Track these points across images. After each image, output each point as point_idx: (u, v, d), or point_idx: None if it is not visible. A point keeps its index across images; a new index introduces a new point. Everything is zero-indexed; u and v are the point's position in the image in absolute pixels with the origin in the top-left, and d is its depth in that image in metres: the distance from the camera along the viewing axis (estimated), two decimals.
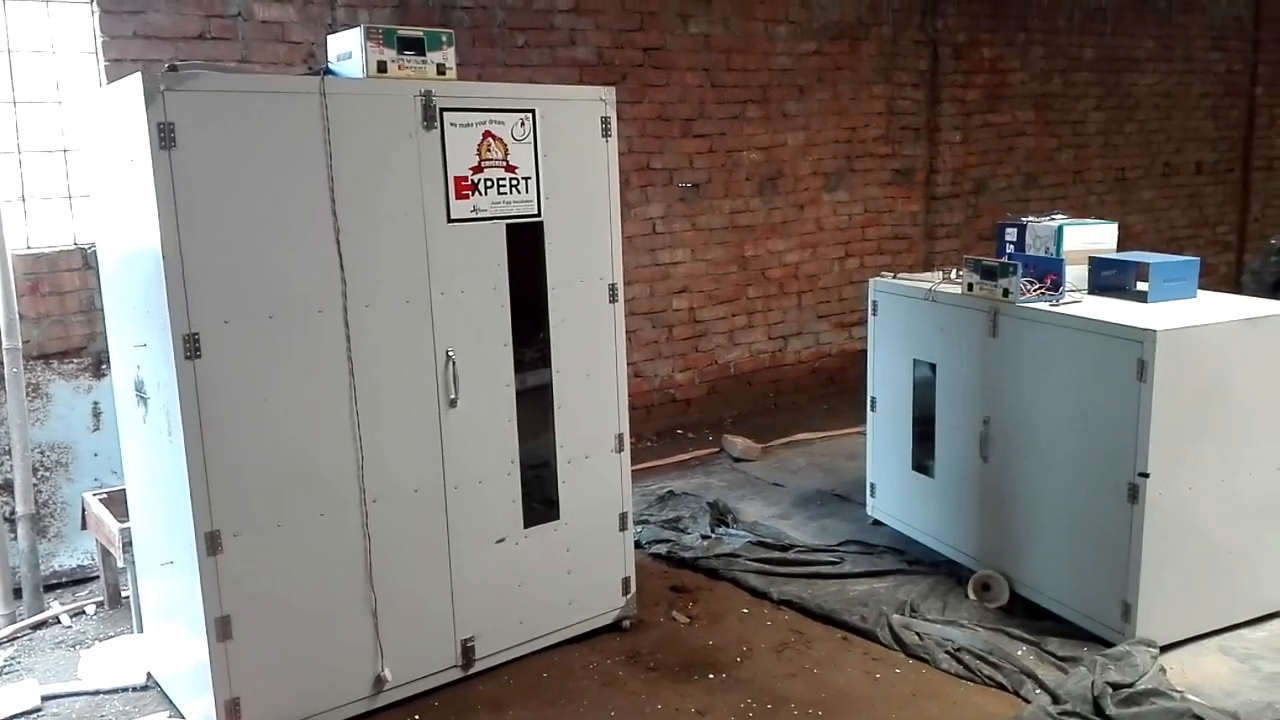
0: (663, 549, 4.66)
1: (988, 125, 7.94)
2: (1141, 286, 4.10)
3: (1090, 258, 4.25)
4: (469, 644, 3.59)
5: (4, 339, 4.23)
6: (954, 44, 7.63)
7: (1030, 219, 4.53)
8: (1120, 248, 4.47)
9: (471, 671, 3.61)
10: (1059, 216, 4.53)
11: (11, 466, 4.33)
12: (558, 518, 3.77)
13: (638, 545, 4.59)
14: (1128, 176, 8.89)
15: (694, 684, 3.59)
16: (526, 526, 3.69)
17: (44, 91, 4.67)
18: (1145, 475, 3.48)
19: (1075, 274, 4.17)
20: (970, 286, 4.16)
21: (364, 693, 3.38)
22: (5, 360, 4.23)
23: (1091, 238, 4.37)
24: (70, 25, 4.68)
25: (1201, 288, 4.06)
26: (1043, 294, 3.99)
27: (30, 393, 4.51)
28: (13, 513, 4.32)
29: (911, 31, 7.44)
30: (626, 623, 3.98)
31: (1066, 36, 8.24)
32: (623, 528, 3.94)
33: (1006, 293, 3.98)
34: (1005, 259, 4.21)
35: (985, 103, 7.88)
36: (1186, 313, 3.70)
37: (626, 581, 3.97)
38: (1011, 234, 4.52)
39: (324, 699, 3.30)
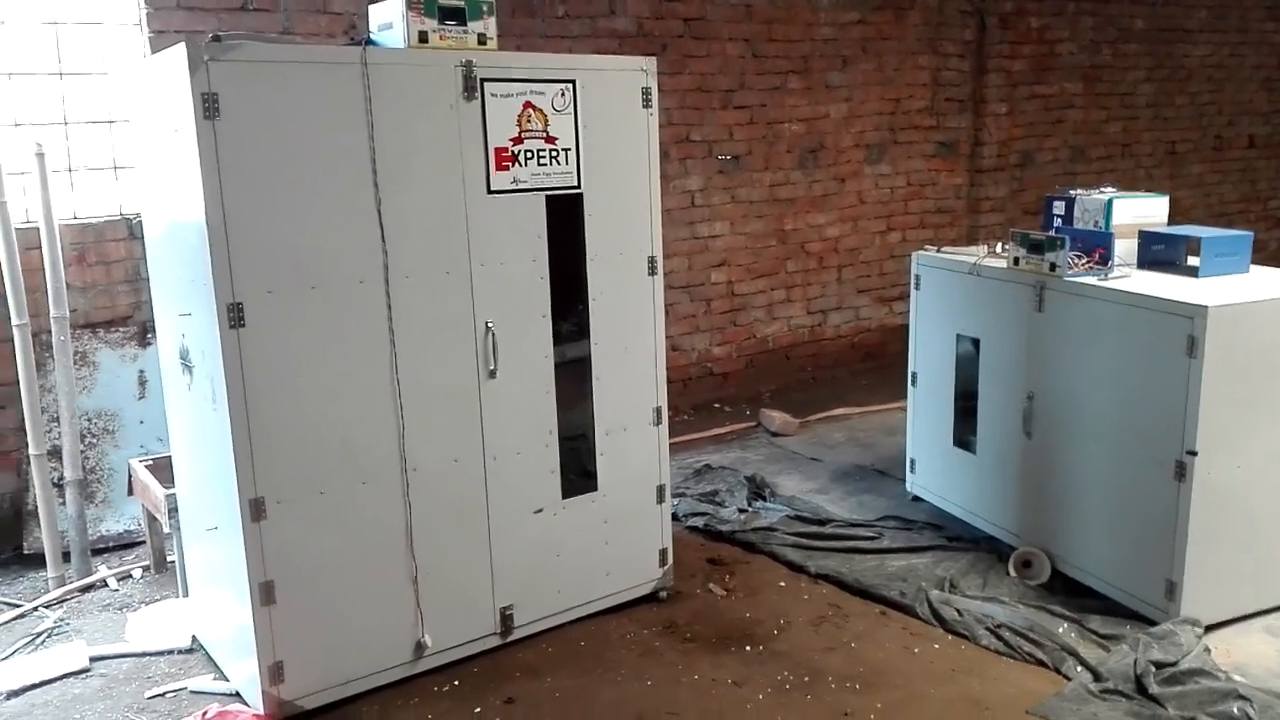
0: (700, 522, 4.66)
1: (1035, 97, 7.79)
2: (1193, 261, 4.00)
3: (1140, 232, 4.16)
4: (508, 612, 3.62)
5: (52, 308, 4.30)
6: (1001, 14, 7.48)
7: (1080, 191, 4.44)
8: (1169, 223, 4.37)
9: (510, 639, 3.64)
10: (1109, 190, 4.44)
11: (60, 433, 4.41)
12: (595, 489, 3.78)
13: (675, 518, 4.59)
14: (1178, 150, 8.70)
15: (731, 655, 3.59)
16: (564, 497, 3.70)
17: (90, 63, 4.72)
18: (1193, 453, 3.42)
19: (1124, 248, 4.09)
20: (1016, 260, 4.09)
21: (405, 658, 3.42)
22: (53, 329, 4.31)
23: (1142, 211, 4.28)
24: None
25: (1254, 264, 3.97)
26: (1091, 268, 3.91)
27: (77, 361, 4.59)
28: (61, 478, 4.41)
29: (957, 1, 7.31)
30: (664, 594, 3.99)
31: (1117, 6, 8.05)
32: (660, 500, 3.94)
33: (1054, 267, 3.91)
34: (1053, 232, 4.14)
35: (1032, 74, 7.73)
36: (1239, 288, 3.62)
37: (664, 553, 3.98)
38: (1059, 207, 4.44)
39: (366, 663, 3.35)
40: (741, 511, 4.74)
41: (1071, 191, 4.46)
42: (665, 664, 3.55)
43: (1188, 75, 8.58)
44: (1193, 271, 3.90)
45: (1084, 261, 3.94)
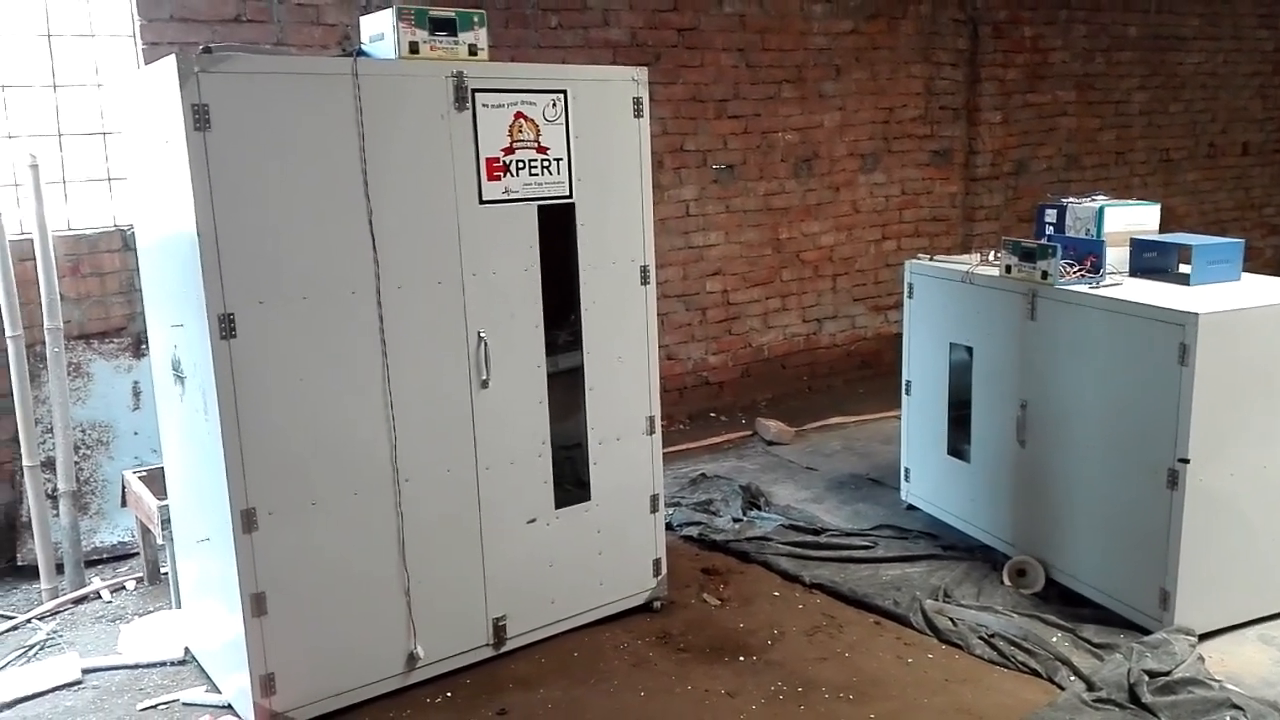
0: (694, 531, 4.65)
1: (1028, 105, 7.81)
2: (1184, 269, 4.02)
3: (1132, 239, 4.17)
4: (500, 623, 3.61)
5: (45, 319, 4.30)
6: (994, 22, 7.50)
7: (1071, 200, 4.45)
8: (1163, 230, 4.38)
9: (503, 650, 3.64)
10: (1100, 198, 4.45)
11: (54, 444, 4.40)
12: (589, 499, 3.78)
13: (669, 527, 4.59)
14: (1172, 157, 8.72)
15: (724, 666, 3.59)
16: (558, 507, 3.70)
17: (83, 75, 4.73)
18: (1185, 461, 3.42)
19: (1116, 256, 4.10)
20: (1009, 268, 4.10)
21: (397, 669, 3.41)
22: (47, 340, 4.31)
23: (1133, 219, 4.29)
24: (108, 9, 4.73)
25: (1246, 271, 3.97)
26: (1083, 276, 3.92)
27: (71, 372, 4.59)
28: (55, 490, 4.40)
29: (950, 10, 7.33)
30: (657, 604, 3.98)
31: (1109, 14, 8.07)
32: (654, 510, 3.94)
33: (1046, 275, 3.92)
34: (1045, 241, 4.15)
35: (1026, 82, 7.75)
36: (1230, 296, 3.62)
37: (658, 563, 3.98)
38: (1051, 215, 4.45)
39: (357, 675, 3.34)
40: (736, 521, 4.74)
41: (1063, 200, 4.47)
42: (658, 674, 3.54)
43: (1181, 83, 8.60)
44: (1184, 279, 3.90)
45: (1076, 269, 3.95)
